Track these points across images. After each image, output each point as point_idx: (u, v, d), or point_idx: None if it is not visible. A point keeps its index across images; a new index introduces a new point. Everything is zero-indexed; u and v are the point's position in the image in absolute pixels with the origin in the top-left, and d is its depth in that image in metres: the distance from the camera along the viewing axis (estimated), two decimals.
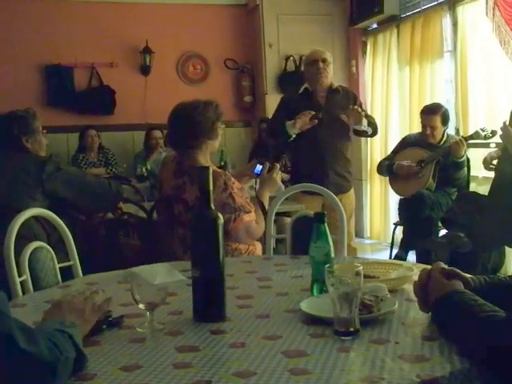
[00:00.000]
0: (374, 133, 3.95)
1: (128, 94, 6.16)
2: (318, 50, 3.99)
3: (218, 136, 2.43)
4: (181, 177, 2.40)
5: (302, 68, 6.18)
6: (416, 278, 1.38)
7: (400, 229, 4.62)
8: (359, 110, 3.72)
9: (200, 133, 2.35)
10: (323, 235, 1.50)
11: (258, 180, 2.60)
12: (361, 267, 1.25)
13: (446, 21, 4.89)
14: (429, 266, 1.38)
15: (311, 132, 3.73)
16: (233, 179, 2.36)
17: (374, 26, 6.01)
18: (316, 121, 3.71)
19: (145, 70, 6.24)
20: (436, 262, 1.38)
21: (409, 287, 1.48)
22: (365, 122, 3.76)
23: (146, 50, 6.16)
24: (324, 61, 3.85)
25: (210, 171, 1.37)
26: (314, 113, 3.74)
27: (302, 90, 3.97)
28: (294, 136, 3.76)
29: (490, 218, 3.47)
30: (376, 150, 6.02)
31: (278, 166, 2.56)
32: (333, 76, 3.95)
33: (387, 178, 4.81)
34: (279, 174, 2.56)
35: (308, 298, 1.45)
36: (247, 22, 6.49)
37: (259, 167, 2.58)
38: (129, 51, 6.21)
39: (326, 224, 1.52)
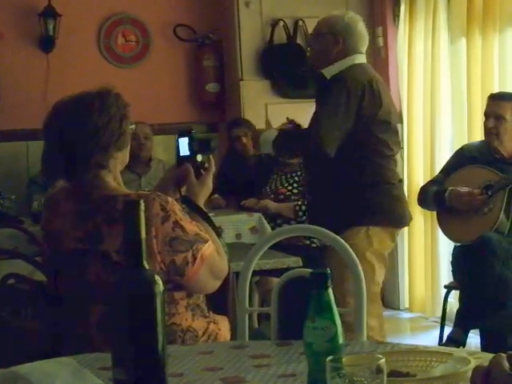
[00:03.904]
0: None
1: (19, 81, 6.17)
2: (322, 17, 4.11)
3: (128, 143, 2.48)
4: (89, 218, 2.40)
5: (300, 38, 6.33)
6: None
7: (455, 295, 4.63)
8: None
9: (106, 142, 2.38)
10: (326, 309, 1.51)
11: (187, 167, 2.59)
12: (383, 360, 1.25)
13: None
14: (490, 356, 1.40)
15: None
16: (169, 198, 2.40)
17: None
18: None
19: (46, 44, 6.27)
20: (506, 348, 1.40)
21: None
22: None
23: (48, 13, 6.20)
24: (312, 33, 3.99)
25: (141, 207, 1.38)
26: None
27: None
28: None
29: None
30: (417, 168, 6.08)
31: (212, 162, 2.59)
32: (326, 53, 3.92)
33: (435, 214, 4.83)
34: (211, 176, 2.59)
35: None
36: None
37: (183, 143, 2.59)
38: (20, 15, 6.24)
39: (330, 290, 1.53)
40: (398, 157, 6.00)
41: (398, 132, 4.05)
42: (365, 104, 3.77)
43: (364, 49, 3.97)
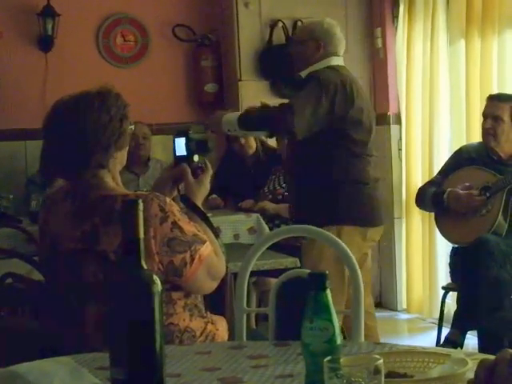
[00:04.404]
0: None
1: (18, 80, 6.17)
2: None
3: (128, 143, 2.50)
4: (87, 218, 2.40)
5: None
6: (472, 375, 1.39)
7: (453, 296, 4.63)
8: None
9: (107, 142, 2.39)
10: (323, 310, 1.51)
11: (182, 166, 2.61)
12: (380, 360, 1.25)
13: None
14: (492, 357, 1.40)
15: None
16: (167, 199, 2.41)
17: None
18: None
19: (45, 43, 6.26)
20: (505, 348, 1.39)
21: None
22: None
23: (47, 12, 6.19)
24: (293, 41, 4.27)
25: (140, 207, 1.38)
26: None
27: None
28: None
29: None
30: (415, 170, 6.08)
31: (208, 164, 2.60)
32: (307, 58, 4.13)
33: (433, 215, 4.84)
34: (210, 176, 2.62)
35: None
36: None
37: (180, 143, 2.59)
38: (19, 14, 6.23)
39: (328, 291, 1.53)
40: (395, 158, 6.12)
41: (371, 132, 4.11)
42: (337, 101, 3.88)
43: (342, 51, 4.16)
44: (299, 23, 6.29)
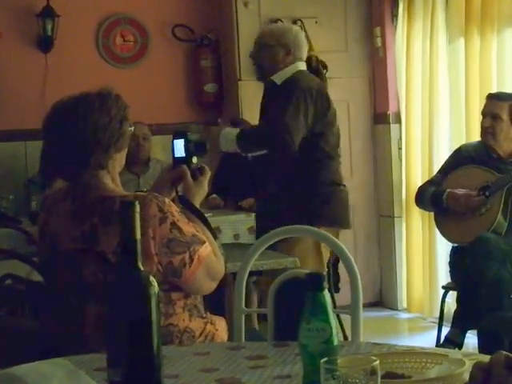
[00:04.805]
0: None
1: (17, 81, 6.18)
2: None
3: (127, 144, 2.51)
4: (87, 218, 2.41)
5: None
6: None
7: (453, 295, 4.63)
8: None
9: (106, 142, 2.40)
10: (321, 311, 1.51)
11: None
12: (377, 362, 1.26)
13: None
14: (488, 358, 1.40)
15: None
16: (167, 200, 2.41)
17: None
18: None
19: (45, 44, 6.27)
20: (503, 349, 1.39)
21: None
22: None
23: (47, 13, 6.20)
24: (260, 45, 4.35)
25: (137, 209, 1.38)
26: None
27: None
28: None
29: None
30: (415, 169, 6.09)
31: (207, 169, 2.62)
32: (275, 62, 4.24)
33: (432, 215, 4.84)
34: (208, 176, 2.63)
35: None
36: None
37: (178, 145, 2.59)
38: (18, 15, 6.24)
39: (325, 292, 1.53)
40: (395, 158, 6.14)
41: (339, 134, 4.24)
42: (318, 105, 4.02)
43: (305, 57, 4.29)
44: (298, 22, 6.30)
